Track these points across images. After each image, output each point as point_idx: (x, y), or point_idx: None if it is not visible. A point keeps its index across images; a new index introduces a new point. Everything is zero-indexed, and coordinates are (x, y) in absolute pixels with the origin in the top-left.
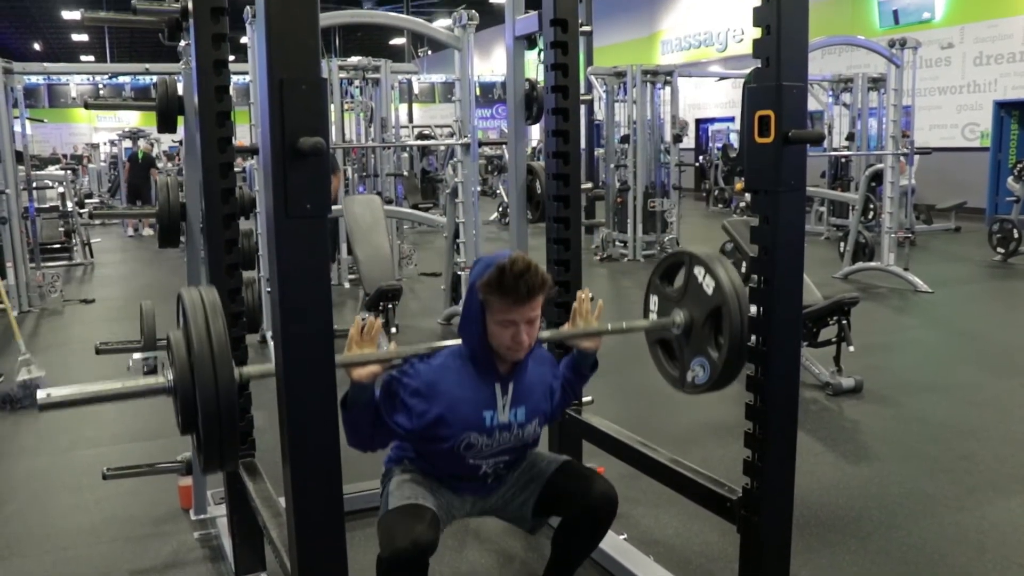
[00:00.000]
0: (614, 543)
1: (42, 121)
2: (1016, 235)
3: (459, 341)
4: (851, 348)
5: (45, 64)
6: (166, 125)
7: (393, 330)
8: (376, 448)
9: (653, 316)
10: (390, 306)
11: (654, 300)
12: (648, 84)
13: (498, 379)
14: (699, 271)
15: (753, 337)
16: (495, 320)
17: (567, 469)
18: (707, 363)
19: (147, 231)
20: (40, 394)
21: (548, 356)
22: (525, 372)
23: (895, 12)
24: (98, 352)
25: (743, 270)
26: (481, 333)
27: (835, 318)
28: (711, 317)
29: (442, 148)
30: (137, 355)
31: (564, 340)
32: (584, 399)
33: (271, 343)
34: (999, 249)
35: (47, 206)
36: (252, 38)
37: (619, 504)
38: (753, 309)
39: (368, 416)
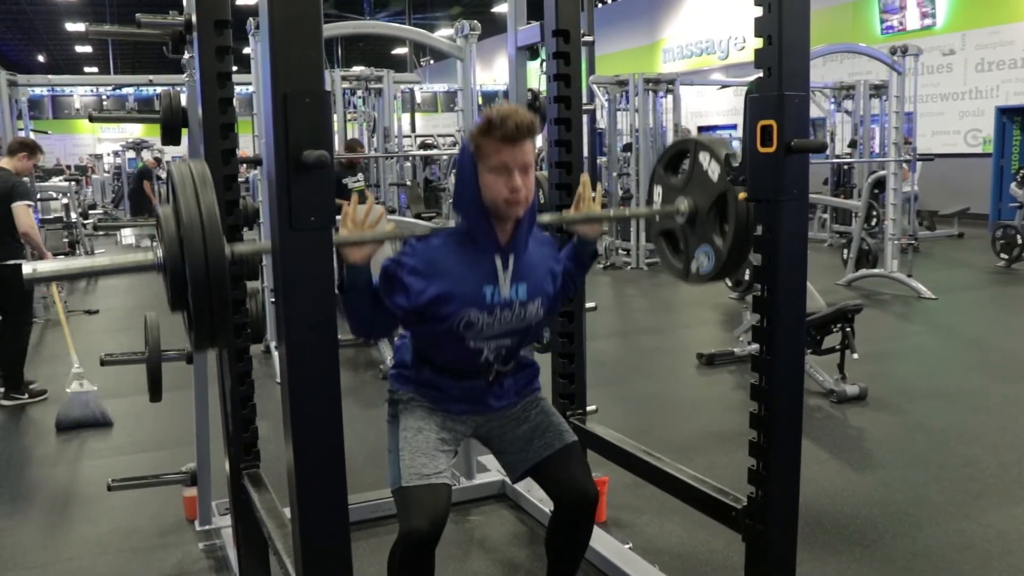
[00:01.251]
0: (619, 552)
1: (46, 133)
2: (1019, 241)
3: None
4: (855, 355)
5: (49, 76)
6: (170, 137)
7: (396, 340)
8: (379, 335)
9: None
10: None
11: (658, 191)
12: (650, 92)
13: (498, 251)
14: (704, 157)
15: (756, 346)
16: (488, 168)
17: (563, 455)
18: (712, 251)
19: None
20: (26, 268)
21: (549, 239)
22: (526, 250)
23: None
24: (103, 364)
25: (746, 277)
26: (476, 195)
27: (839, 325)
28: (716, 204)
29: (445, 157)
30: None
31: (565, 224)
32: (588, 408)
33: (275, 353)
34: (1002, 255)
35: (51, 217)
36: (255, 49)
37: (622, 512)
38: (756, 318)
39: (366, 301)
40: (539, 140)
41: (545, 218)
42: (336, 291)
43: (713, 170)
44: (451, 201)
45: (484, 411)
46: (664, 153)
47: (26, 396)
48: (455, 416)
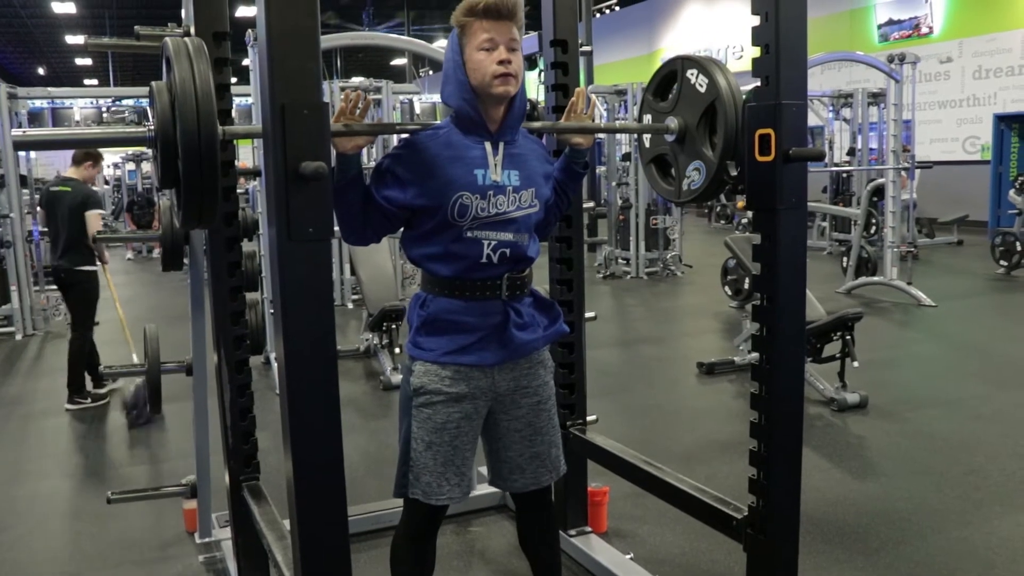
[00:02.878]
0: (620, 562)
1: None
2: (1018, 248)
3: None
4: (855, 363)
5: (49, 89)
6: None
7: (396, 350)
8: (370, 239)
9: (647, 136)
10: (393, 326)
11: (647, 119)
12: None
13: (488, 137)
14: (692, 73)
15: (756, 354)
16: (475, 46)
17: (539, 497)
18: (702, 165)
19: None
20: (15, 132)
21: (541, 143)
22: (516, 141)
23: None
24: (103, 376)
25: (746, 286)
26: (464, 79)
27: (839, 333)
28: (705, 116)
29: None
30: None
31: (556, 132)
32: (588, 418)
33: (275, 364)
34: (1002, 262)
35: None
36: (253, 61)
37: (623, 522)
38: (756, 327)
39: (358, 194)
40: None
41: (536, 124)
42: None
43: (701, 83)
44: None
45: (509, 356)
46: (652, 78)
47: (88, 400)
48: (476, 373)
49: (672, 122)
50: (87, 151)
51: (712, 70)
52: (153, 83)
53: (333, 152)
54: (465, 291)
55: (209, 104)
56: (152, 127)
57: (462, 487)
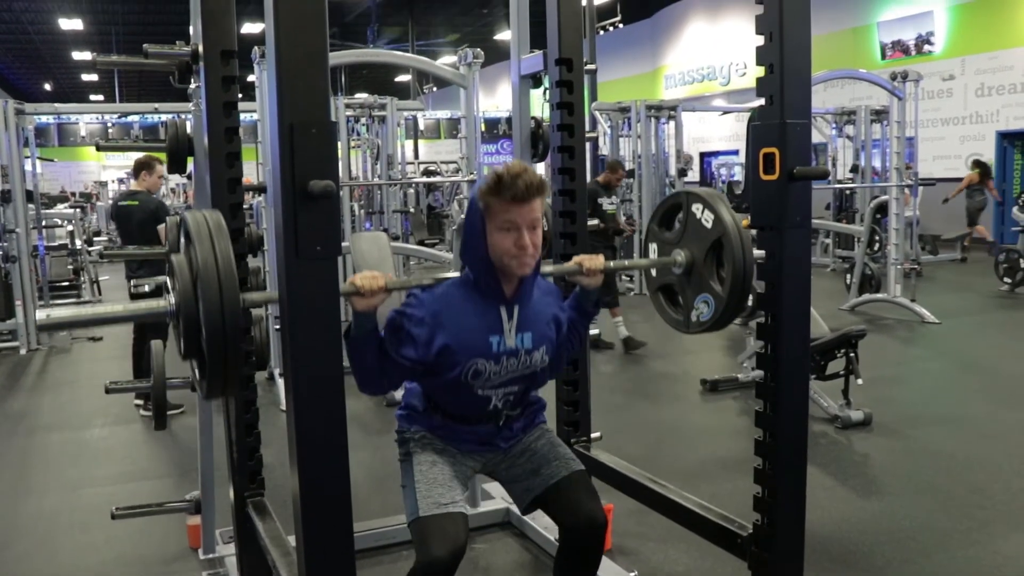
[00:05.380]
0: None
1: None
2: (1022, 265)
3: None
4: (859, 381)
5: (56, 104)
6: (176, 165)
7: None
8: (387, 390)
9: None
10: None
11: (653, 248)
12: (652, 119)
13: (503, 302)
14: (697, 208)
15: (761, 372)
16: (496, 226)
17: (570, 482)
18: (711, 298)
19: None
20: (40, 314)
21: (554, 288)
22: (530, 299)
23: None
24: (108, 392)
25: (749, 303)
26: (484, 250)
27: (843, 351)
28: (712, 250)
29: (448, 184)
30: None
31: (566, 275)
32: (592, 435)
33: (279, 380)
34: (1006, 279)
35: (56, 244)
36: (260, 77)
37: (627, 540)
38: (760, 344)
39: (372, 348)
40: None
41: (547, 269)
42: (343, 338)
43: (707, 219)
44: (459, 251)
45: (494, 451)
46: (656, 210)
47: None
48: (465, 453)
49: (679, 255)
50: (140, 161)
51: (717, 206)
52: (173, 256)
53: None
54: (467, 423)
55: (232, 283)
56: (173, 301)
57: (465, 506)
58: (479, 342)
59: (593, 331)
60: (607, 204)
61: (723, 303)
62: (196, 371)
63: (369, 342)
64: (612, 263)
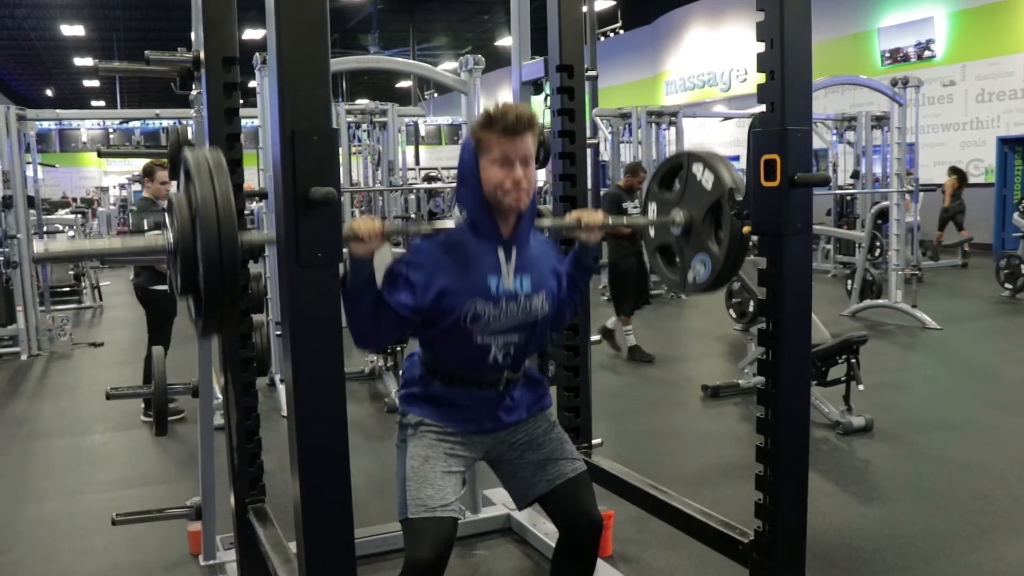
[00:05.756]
0: None
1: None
2: (1023, 271)
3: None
4: (860, 387)
5: (58, 110)
6: (177, 171)
7: (400, 372)
8: (383, 343)
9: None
10: (398, 348)
11: (652, 208)
12: (653, 125)
13: (500, 243)
14: (698, 168)
15: (761, 378)
16: (490, 160)
17: (574, 484)
18: (708, 259)
19: None
20: (38, 246)
21: (551, 241)
22: (528, 244)
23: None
24: (108, 398)
25: (750, 309)
26: (478, 190)
27: (844, 356)
28: (711, 211)
29: (448, 190)
30: None
31: (564, 229)
32: (593, 441)
33: (280, 387)
34: (1006, 285)
35: None
36: (261, 84)
37: (628, 546)
38: (762, 350)
39: (369, 297)
40: (543, 179)
41: (545, 222)
42: (339, 284)
43: (707, 180)
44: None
45: (495, 429)
46: (658, 169)
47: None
48: (465, 437)
49: (678, 215)
50: (143, 168)
51: (718, 166)
52: (172, 194)
53: (345, 252)
54: (464, 383)
55: (230, 220)
56: (172, 238)
57: (458, 510)
58: (478, 283)
59: (594, 337)
60: (631, 208)
61: (720, 264)
62: (192, 309)
63: (365, 290)
64: (611, 219)
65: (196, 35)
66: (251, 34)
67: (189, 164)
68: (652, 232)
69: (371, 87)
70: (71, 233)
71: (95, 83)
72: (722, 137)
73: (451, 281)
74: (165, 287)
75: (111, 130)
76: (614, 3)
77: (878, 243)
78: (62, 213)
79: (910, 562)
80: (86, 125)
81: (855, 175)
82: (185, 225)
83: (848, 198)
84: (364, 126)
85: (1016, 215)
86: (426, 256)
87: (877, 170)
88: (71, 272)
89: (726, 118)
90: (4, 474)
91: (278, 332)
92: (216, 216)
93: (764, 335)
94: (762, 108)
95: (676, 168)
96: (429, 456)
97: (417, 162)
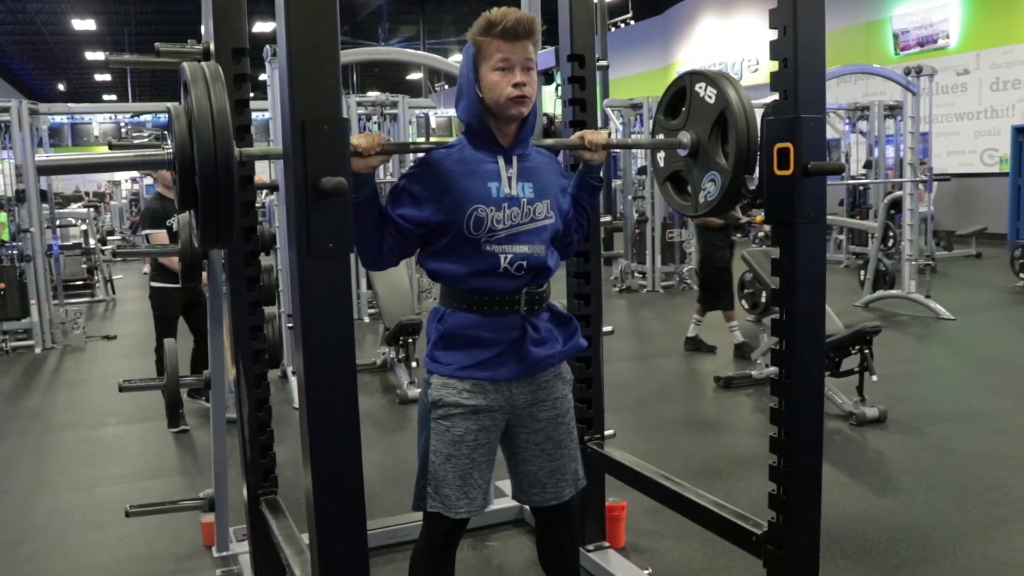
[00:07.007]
0: None
1: None
2: None
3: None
4: (874, 377)
5: (69, 104)
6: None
7: (413, 364)
8: (388, 261)
9: (660, 155)
10: (410, 340)
11: (660, 138)
12: None
13: (500, 152)
14: (700, 86)
15: (774, 368)
16: (491, 66)
17: (563, 510)
18: (717, 175)
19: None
20: (39, 156)
21: (555, 157)
22: (529, 156)
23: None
24: (121, 390)
25: (763, 300)
26: (478, 99)
27: (857, 347)
28: (716, 126)
29: None
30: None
31: (568, 149)
32: (606, 432)
33: (292, 379)
34: (1021, 275)
35: (70, 243)
36: (271, 76)
37: (641, 538)
38: (775, 341)
39: (372, 213)
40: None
41: (548, 141)
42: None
43: (710, 95)
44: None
45: (526, 371)
46: (663, 97)
47: (204, 399)
48: (494, 391)
49: (684, 136)
50: None
51: (720, 81)
52: (171, 105)
53: None
54: (483, 306)
55: (226, 127)
56: (171, 149)
57: (480, 500)
58: (478, 188)
59: (606, 328)
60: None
61: (729, 176)
62: (194, 222)
63: (367, 206)
64: (616, 139)
65: (206, 27)
66: (261, 27)
67: (186, 75)
68: (662, 163)
69: (381, 79)
70: (83, 226)
71: (107, 77)
72: None
73: (452, 189)
74: (164, 284)
75: (123, 124)
76: None
77: (891, 233)
78: (75, 207)
79: (924, 553)
80: (98, 119)
81: (868, 165)
82: (183, 136)
83: (861, 188)
84: (375, 118)
85: None
86: (427, 169)
87: (890, 160)
88: (84, 266)
89: None
90: (19, 466)
91: (290, 324)
92: (212, 125)
93: (778, 325)
94: (775, 96)
95: (681, 93)
96: (452, 455)
97: None
